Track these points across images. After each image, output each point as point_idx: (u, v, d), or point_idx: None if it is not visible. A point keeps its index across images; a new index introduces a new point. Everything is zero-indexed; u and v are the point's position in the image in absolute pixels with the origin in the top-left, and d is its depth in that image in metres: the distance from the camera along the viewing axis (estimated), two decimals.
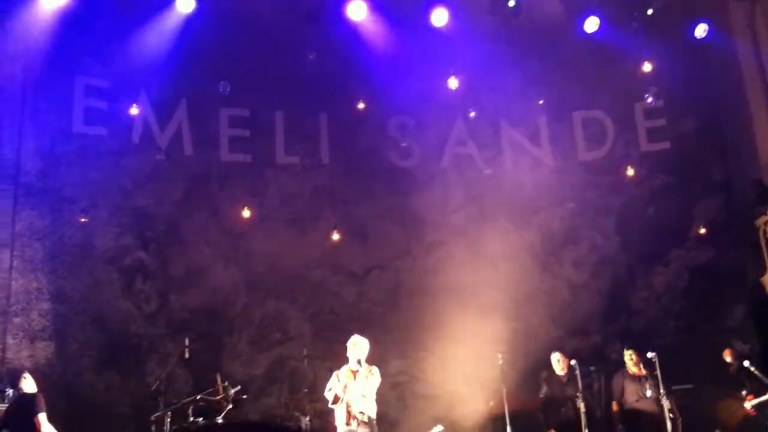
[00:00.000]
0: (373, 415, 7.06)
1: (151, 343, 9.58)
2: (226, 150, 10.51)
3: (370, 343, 7.37)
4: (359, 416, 6.91)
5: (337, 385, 7.06)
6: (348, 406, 6.97)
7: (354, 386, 7.00)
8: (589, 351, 10.01)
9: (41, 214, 9.32)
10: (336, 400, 6.99)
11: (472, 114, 10.93)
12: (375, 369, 7.20)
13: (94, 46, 9.72)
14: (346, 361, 7.27)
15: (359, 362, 7.10)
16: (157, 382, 8.42)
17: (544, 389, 8.74)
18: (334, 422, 7.16)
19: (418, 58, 10.54)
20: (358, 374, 7.06)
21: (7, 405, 7.70)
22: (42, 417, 7.28)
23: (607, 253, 10.85)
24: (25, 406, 7.39)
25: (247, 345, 10.02)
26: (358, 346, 7.20)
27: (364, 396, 7.01)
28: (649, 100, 10.13)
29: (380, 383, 7.25)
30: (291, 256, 10.36)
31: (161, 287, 9.83)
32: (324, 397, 7.31)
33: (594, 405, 8.20)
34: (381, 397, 7.34)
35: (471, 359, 9.92)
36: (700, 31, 10.33)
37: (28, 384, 7.58)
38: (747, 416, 8.48)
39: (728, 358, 8.91)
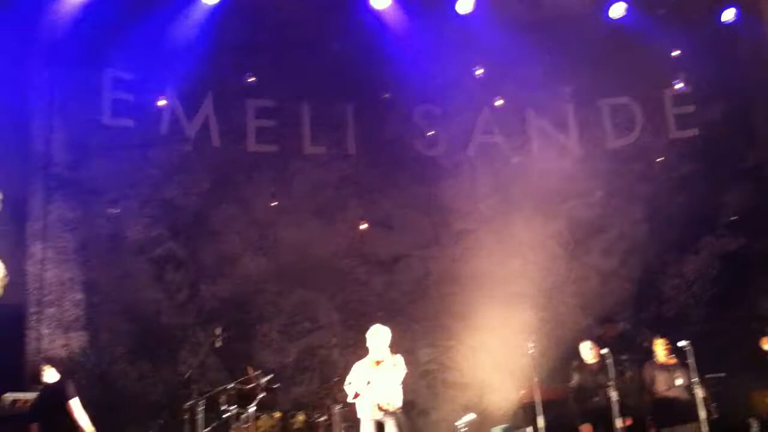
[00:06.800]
0: (399, 404, 6.99)
1: (182, 332, 9.64)
2: (252, 141, 10.52)
3: (400, 332, 7.32)
4: (386, 406, 6.83)
5: (357, 378, 6.95)
6: (374, 397, 6.89)
7: (379, 377, 6.90)
8: (619, 339, 9.91)
9: (72, 206, 9.36)
10: (356, 396, 6.92)
11: (498, 102, 10.88)
12: (399, 358, 7.05)
13: (121, 39, 9.67)
14: (368, 351, 7.12)
15: (383, 352, 6.98)
16: (189, 371, 8.47)
17: (576, 378, 8.66)
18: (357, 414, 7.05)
19: (443, 46, 10.48)
20: (382, 364, 6.94)
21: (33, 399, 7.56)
22: (74, 402, 7.24)
23: (636, 241, 10.73)
24: (54, 396, 7.31)
25: (277, 334, 10.08)
26: (378, 336, 7.00)
27: (389, 386, 6.92)
28: (679, 86, 10.01)
29: (407, 372, 7.07)
30: (319, 246, 10.40)
31: (192, 277, 9.88)
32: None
33: (626, 394, 8.10)
34: (411, 386, 7.27)
35: (501, 348, 9.93)
36: (728, 15, 10.22)
37: (51, 374, 7.46)
38: None
39: (765, 346, 8.78)
